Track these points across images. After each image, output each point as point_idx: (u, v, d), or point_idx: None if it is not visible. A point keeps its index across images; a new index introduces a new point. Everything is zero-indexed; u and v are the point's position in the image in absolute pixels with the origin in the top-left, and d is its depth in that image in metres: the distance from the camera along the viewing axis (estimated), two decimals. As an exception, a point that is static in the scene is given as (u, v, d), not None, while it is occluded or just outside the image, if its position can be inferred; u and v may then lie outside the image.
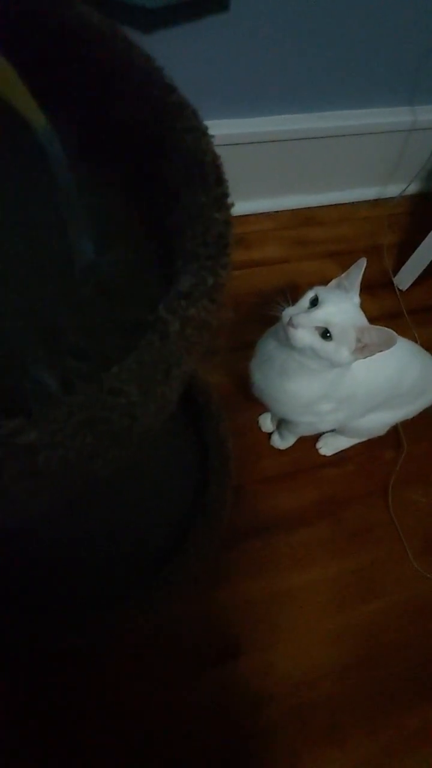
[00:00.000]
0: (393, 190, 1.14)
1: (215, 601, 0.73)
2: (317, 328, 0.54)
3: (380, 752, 0.69)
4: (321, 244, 1.07)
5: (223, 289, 0.31)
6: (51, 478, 0.26)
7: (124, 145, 0.37)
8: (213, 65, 0.81)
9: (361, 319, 0.57)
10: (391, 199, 1.15)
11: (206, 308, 0.30)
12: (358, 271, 0.58)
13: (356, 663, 0.74)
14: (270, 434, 0.87)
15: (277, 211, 1.09)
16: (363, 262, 0.58)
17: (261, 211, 1.08)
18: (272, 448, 0.87)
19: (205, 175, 0.33)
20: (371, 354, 0.54)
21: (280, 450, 0.87)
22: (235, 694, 0.69)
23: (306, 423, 0.71)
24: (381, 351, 0.54)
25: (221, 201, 0.33)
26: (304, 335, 0.53)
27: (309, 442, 0.87)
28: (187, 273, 0.31)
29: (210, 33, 0.76)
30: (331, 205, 1.12)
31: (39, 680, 0.64)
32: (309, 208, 1.10)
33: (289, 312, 0.55)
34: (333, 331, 0.53)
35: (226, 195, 0.33)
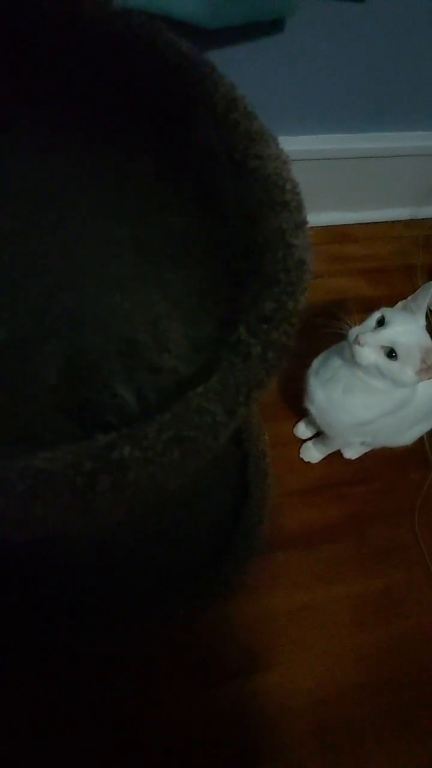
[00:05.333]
0: (428, 211, 1.15)
1: (236, 612, 0.73)
2: (383, 347, 0.55)
3: (399, 777, 0.68)
4: (354, 261, 1.08)
5: (301, 313, 0.32)
6: (136, 493, 0.27)
7: (201, 168, 0.38)
8: (262, 84, 0.82)
9: (427, 340, 0.57)
10: (426, 220, 1.15)
11: (286, 332, 0.31)
12: (425, 293, 0.59)
13: (378, 684, 0.73)
14: (301, 445, 0.87)
15: (312, 227, 1.09)
16: (431, 285, 0.59)
17: (295, 226, 1.09)
18: (299, 461, 0.87)
19: (286, 201, 0.34)
20: None
21: (307, 463, 0.87)
22: (252, 709, 0.69)
23: (348, 439, 0.71)
24: None
25: (301, 227, 0.34)
26: (370, 354, 0.55)
27: (336, 457, 0.87)
28: (268, 297, 0.31)
29: (262, 53, 0.78)
30: (365, 223, 1.13)
31: (51, 682, 0.64)
32: (344, 224, 1.11)
33: (355, 330, 0.56)
34: (398, 350, 0.54)
35: (305, 221, 0.34)
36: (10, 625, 0.55)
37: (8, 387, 0.30)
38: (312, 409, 0.69)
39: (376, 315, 0.58)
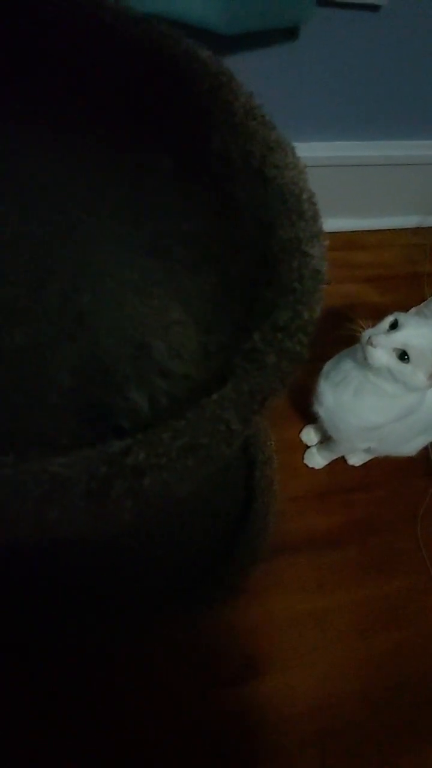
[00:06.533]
0: (435, 219, 1.16)
1: (238, 616, 0.73)
2: (395, 349, 0.55)
3: (398, 785, 0.68)
4: (361, 268, 1.08)
5: (316, 323, 0.32)
6: (149, 498, 0.27)
7: (218, 175, 0.38)
8: (274, 91, 0.83)
9: None
10: (433, 227, 1.16)
11: (301, 341, 0.31)
12: None
13: (378, 692, 0.73)
14: (305, 451, 0.87)
15: (320, 233, 1.10)
16: None
17: (303, 231, 1.09)
18: (303, 467, 0.87)
19: (302, 211, 0.34)
20: None
21: (311, 469, 0.87)
22: (252, 713, 0.69)
23: (355, 444, 0.71)
24: None
25: (317, 237, 0.34)
26: (382, 355, 0.55)
27: (340, 464, 0.87)
28: (283, 306, 0.32)
29: (276, 60, 0.78)
30: (373, 230, 1.13)
31: (51, 682, 0.64)
32: (352, 231, 1.11)
33: (368, 332, 0.57)
34: (411, 353, 0.55)
35: (321, 231, 0.34)
36: (12, 625, 0.55)
37: (24, 389, 0.30)
38: (321, 411, 0.69)
39: (390, 318, 0.58)
